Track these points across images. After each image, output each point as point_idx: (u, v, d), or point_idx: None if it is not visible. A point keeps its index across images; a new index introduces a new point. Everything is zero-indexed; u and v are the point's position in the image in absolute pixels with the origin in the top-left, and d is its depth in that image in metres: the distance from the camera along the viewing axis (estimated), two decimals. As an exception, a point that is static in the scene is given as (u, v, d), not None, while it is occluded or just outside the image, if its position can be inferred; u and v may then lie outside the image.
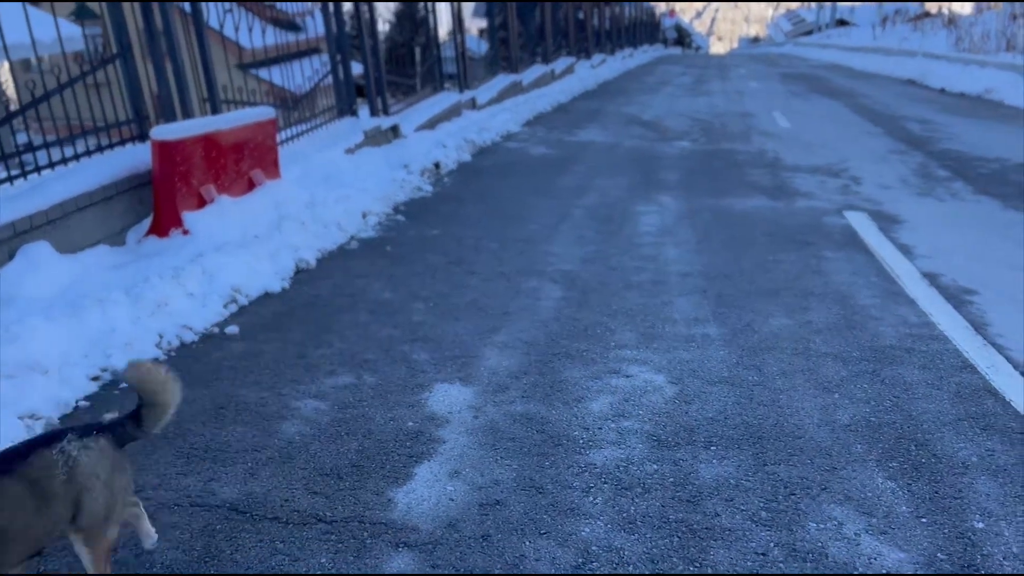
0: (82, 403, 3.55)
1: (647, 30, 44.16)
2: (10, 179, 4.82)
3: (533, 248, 5.83)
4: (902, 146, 10.14)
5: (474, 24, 29.93)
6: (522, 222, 6.61)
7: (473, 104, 13.04)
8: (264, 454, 3.11)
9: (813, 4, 65.68)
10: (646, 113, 14.54)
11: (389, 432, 3.26)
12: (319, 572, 2.44)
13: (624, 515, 2.68)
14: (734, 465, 2.96)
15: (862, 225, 6.26)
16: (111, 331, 4.00)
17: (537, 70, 17.97)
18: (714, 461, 2.99)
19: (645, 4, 44.06)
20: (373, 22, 9.95)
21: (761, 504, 2.72)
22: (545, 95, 16.06)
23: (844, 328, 4.22)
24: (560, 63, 20.46)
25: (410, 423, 3.33)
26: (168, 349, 4.12)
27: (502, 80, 15.42)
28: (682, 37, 69.98)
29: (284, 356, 4.04)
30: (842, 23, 53.05)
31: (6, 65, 9.08)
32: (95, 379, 3.74)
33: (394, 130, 9.71)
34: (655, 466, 2.97)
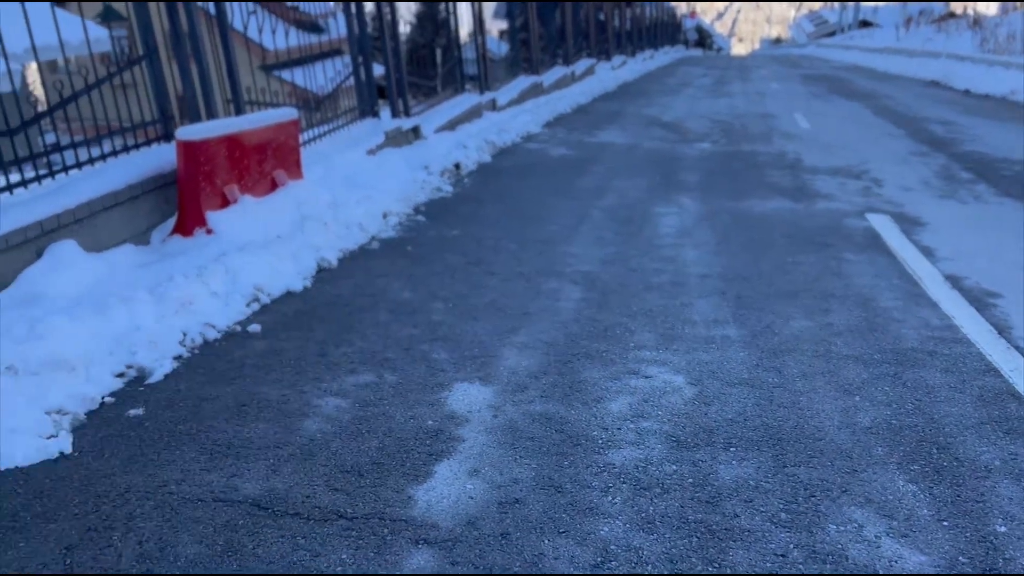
0: (107, 399, 3.61)
1: (668, 31, 44.03)
2: (38, 179, 4.90)
3: (553, 249, 5.85)
4: (924, 148, 10.05)
5: (495, 26, 29.98)
6: (542, 223, 6.62)
7: (493, 105, 13.07)
8: (286, 451, 3.15)
9: (836, 5, 65.21)
10: (666, 114, 14.50)
11: (409, 430, 3.28)
12: (339, 568, 2.46)
13: (643, 515, 2.68)
14: (753, 466, 2.96)
15: (884, 227, 6.22)
16: (136, 329, 4.06)
17: (558, 72, 17.97)
18: (733, 462, 2.99)
19: (666, 5, 43.93)
20: (394, 23, 10.01)
21: (781, 506, 2.72)
22: (565, 96, 16.06)
23: (865, 330, 4.20)
24: (581, 65, 20.45)
25: (430, 421, 3.35)
26: (192, 347, 4.18)
27: (523, 81, 15.44)
28: (703, 38, 69.71)
29: (306, 354, 4.08)
30: (865, 24, 52.61)
31: (34, 66, 9.22)
32: (120, 376, 3.80)
33: (415, 131, 9.75)
34: (674, 467, 2.97)
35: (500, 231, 6.38)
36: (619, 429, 3.25)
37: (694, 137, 11.62)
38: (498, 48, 16.52)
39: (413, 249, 5.94)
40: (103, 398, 3.60)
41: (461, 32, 12.53)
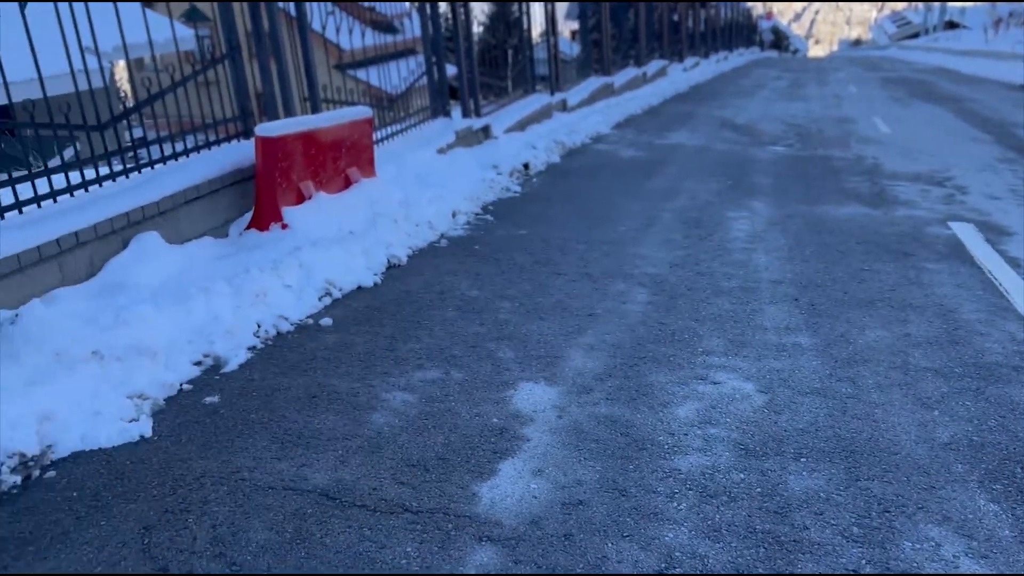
0: (185, 386, 3.73)
1: (743, 32, 43.23)
2: (125, 172, 5.10)
3: (620, 250, 5.81)
4: (1012, 154, 9.64)
5: (567, 26, 29.92)
6: (610, 224, 6.58)
7: (564, 106, 13.06)
8: (354, 443, 3.20)
9: (920, 5, 63.01)
10: (739, 117, 14.25)
11: (474, 427, 3.31)
12: (404, 560, 2.49)
13: (709, 523, 2.64)
14: (825, 478, 2.88)
15: (968, 236, 5.98)
16: (214, 319, 4.18)
17: (629, 73, 17.85)
18: (804, 473, 2.92)
19: (741, 5, 43.11)
20: (468, 24, 10.09)
21: (853, 520, 2.64)
22: (636, 98, 15.93)
23: (946, 343, 4.05)
24: (652, 66, 20.26)
25: (495, 419, 3.37)
26: (265, 338, 4.29)
27: (593, 82, 15.38)
28: (779, 40, 68.23)
29: (375, 348, 4.15)
30: (952, 25, 50.71)
31: (123, 63, 9.58)
32: (198, 364, 3.93)
33: (485, 131, 9.81)
34: (742, 475, 2.92)
35: (568, 231, 6.37)
36: (686, 435, 3.21)
37: (768, 140, 11.40)
38: (570, 49, 16.49)
39: (481, 248, 5.98)
40: (181, 385, 3.73)
41: (533, 32, 12.56)
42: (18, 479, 2.95)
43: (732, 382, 3.66)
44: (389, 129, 8.20)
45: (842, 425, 3.25)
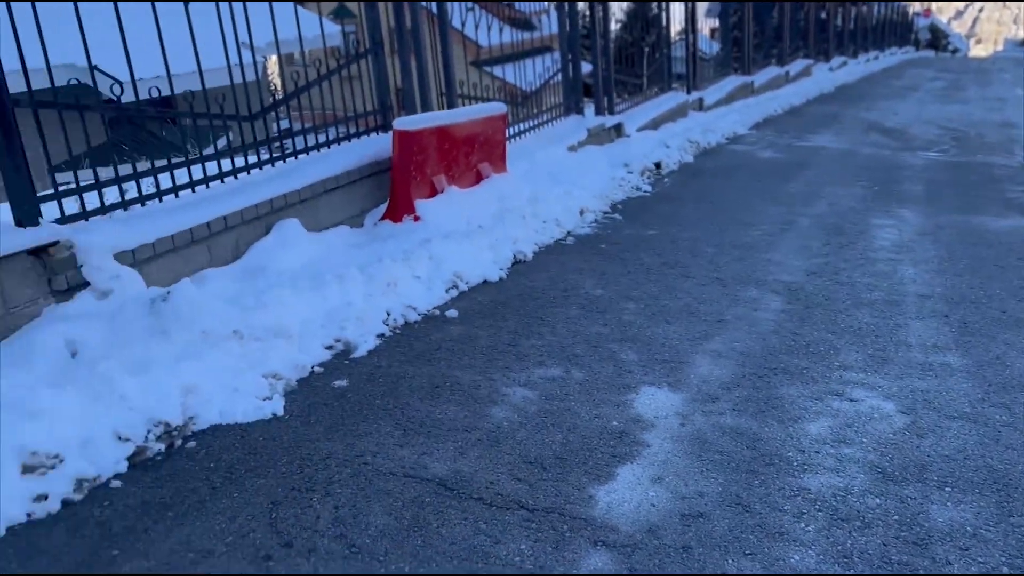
0: (317, 369, 3.87)
1: (896, 31, 40.87)
2: (271, 161, 5.36)
3: (753, 255, 5.60)
4: None
5: (706, 24, 29.21)
6: (743, 227, 6.36)
7: (700, 105, 12.74)
8: (473, 435, 3.23)
9: (1102, 2, 57.51)
10: (889, 120, 13.47)
11: (593, 429, 3.26)
12: (517, 558, 2.48)
13: (839, 547, 2.49)
14: (972, 511, 2.66)
15: None
16: (347, 305, 4.32)
17: (770, 72, 17.21)
18: (948, 504, 2.71)
19: (897, 3, 40.78)
20: (606, 21, 10.00)
21: (1003, 559, 2.42)
22: (777, 97, 15.35)
23: (1120, 372, 3.66)
24: (796, 65, 19.46)
25: (615, 422, 3.31)
26: (393, 327, 4.39)
27: (732, 81, 14.94)
28: (936, 38, 64.10)
29: (497, 343, 4.17)
30: None
31: (274, 58, 10.07)
32: (329, 348, 4.06)
33: (617, 129, 9.71)
34: (878, 500, 2.73)
35: (698, 233, 6.20)
36: (817, 452, 3.04)
37: (920, 145, 10.71)
38: (709, 47, 16.07)
39: (607, 247, 5.91)
40: (313, 367, 3.87)
41: (671, 30, 12.32)
42: (162, 447, 3.15)
43: (871, 400, 3.45)
44: (522, 125, 8.24)
45: (995, 455, 3.00)
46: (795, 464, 2.97)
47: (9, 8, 3.74)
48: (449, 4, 6.96)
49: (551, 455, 3.07)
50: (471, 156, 6.40)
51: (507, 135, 7.23)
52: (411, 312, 4.54)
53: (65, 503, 2.79)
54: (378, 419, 3.38)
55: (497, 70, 9.32)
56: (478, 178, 6.48)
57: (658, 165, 8.78)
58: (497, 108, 6.73)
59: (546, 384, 3.68)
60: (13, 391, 3.11)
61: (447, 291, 4.88)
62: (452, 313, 4.58)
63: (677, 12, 12.65)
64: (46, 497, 2.76)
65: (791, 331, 4.23)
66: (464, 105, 7.17)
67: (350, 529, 2.64)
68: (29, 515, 2.71)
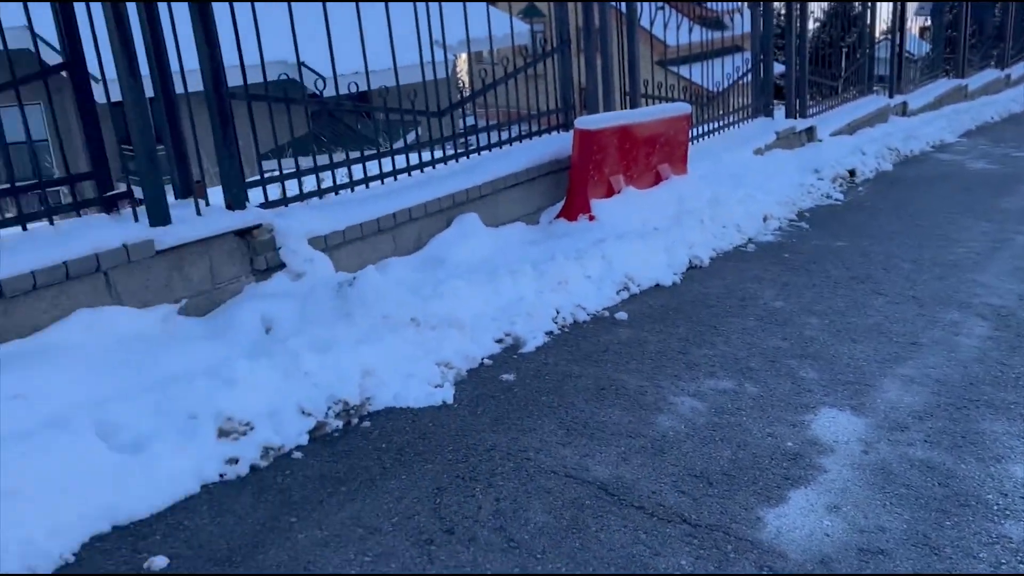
0: (486, 361, 3.94)
1: None
2: (456, 156, 5.53)
3: (956, 274, 5.12)
4: None
5: (915, 23, 27.14)
6: (945, 243, 5.84)
7: (903, 110, 11.86)
8: (637, 442, 3.16)
9: None
10: None
11: (765, 448, 3.10)
12: (677, 572, 2.41)
13: (1044, 609, 2.22)
14: None
15: None
16: (518, 300, 4.38)
17: (987, 75, 15.73)
18: None
19: None
20: (803, 20, 9.51)
21: None
22: (994, 103, 13.99)
23: None
24: (1018, 68, 17.67)
25: (789, 443, 3.13)
26: (562, 325, 4.39)
27: (941, 84, 13.79)
28: None
29: (667, 349, 4.07)
30: None
31: (464, 56, 10.40)
32: (499, 341, 4.13)
33: (808, 133, 9.22)
34: (1095, 560, 2.41)
35: (893, 247, 5.76)
36: (1023, 498, 2.73)
37: None
38: (917, 48, 14.90)
39: (791, 256, 5.62)
40: (483, 359, 3.95)
41: (875, 30, 11.54)
42: (340, 424, 3.32)
43: (1092, 446, 3.05)
44: (706, 126, 8.01)
45: None
46: (995, 508, 2.68)
47: (232, 8, 4.07)
48: (639, 3, 6.88)
49: (718, 471, 2.95)
50: (651, 157, 6.29)
51: (690, 136, 7.06)
52: (580, 311, 4.53)
53: (252, 468, 3.01)
54: (543, 416, 3.39)
55: (683, 69, 9.11)
56: (657, 179, 6.37)
57: (852, 172, 8.24)
58: (681, 108, 6.58)
59: (717, 396, 3.55)
60: (214, 359, 3.40)
61: (617, 292, 4.82)
62: (621, 315, 4.52)
63: (883, 10, 11.82)
64: (236, 461, 2.99)
65: (998, 361, 3.83)
66: (647, 105, 7.07)
67: (510, 523, 2.66)
68: (221, 475, 2.95)
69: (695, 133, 7.58)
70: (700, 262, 5.43)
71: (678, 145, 6.53)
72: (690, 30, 7.95)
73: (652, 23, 7.41)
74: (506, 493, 2.83)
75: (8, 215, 3.61)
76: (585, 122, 5.73)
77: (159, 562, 2.50)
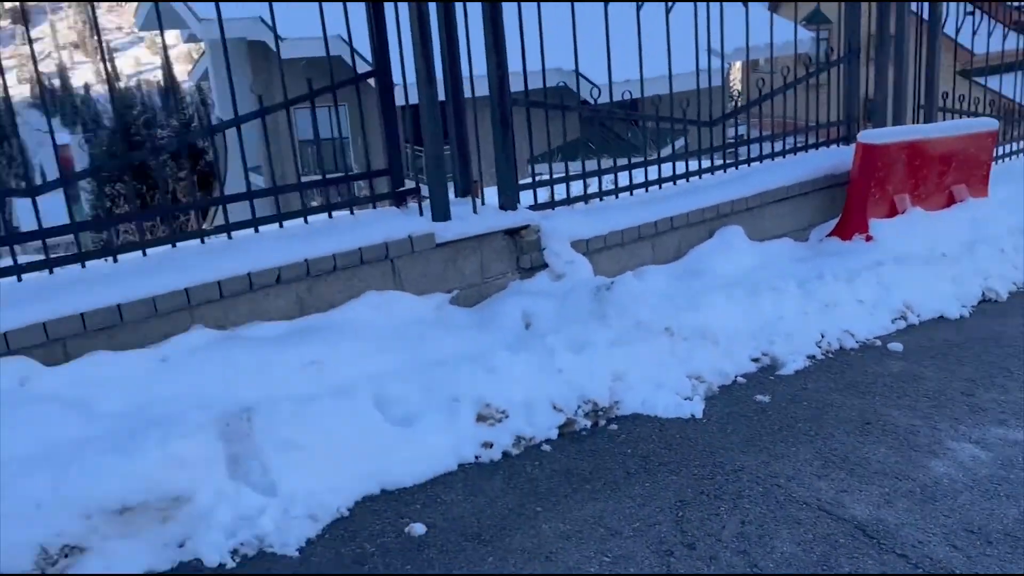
0: (740, 379, 3.83)
1: None
2: (724, 167, 5.40)
3: None
4: None
5: None
6: None
7: None
8: (904, 484, 2.91)
9: None
10: None
11: (1063, 513, 2.71)
12: (941, 634, 2.19)
13: None
14: None
15: None
16: (778, 319, 4.20)
17: None
18: None
19: None
20: None
21: None
22: None
23: None
24: None
25: (1095, 512, 2.71)
26: (826, 350, 4.15)
27: None
28: None
29: (947, 389, 3.69)
30: None
31: (738, 64, 10.13)
32: (755, 360, 3.99)
33: None
34: None
35: None
36: None
37: None
38: None
39: (1114, 299, 4.84)
40: (736, 377, 3.84)
41: None
42: (588, 424, 3.40)
43: None
44: (1014, 145, 7.12)
45: None
46: None
47: (519, 10, 4.29)
48: (944, 6, 6.27)
49: (999, 529, 2.63)
50: (944, 176, 5.72)
51: (994, 155, 6.32)
52: (848, 337, 4.24)
53: (504, 454, 3.18)
54: (798, 443, 3.23)
55: (991, 81, 8.17)
56: (950, 201, 5.77)
57: None
58: (985, 124, 5.90)
59: (1005, 447, 3.16)
60: (478, 348, 3.63)
61: (893, 321, 4.45)
62: (895, 346, 4.16)
63: None
64: (491, 445, 3.18)
65: None
66: (945, 119, 6.43)
67: (754, 547, 2.57)
68: (476, 457, 3.15)
69: (999, 152, 6.77)
70: (996, 296, 4.86)
71: (979, 165, 5.87)
72: (1004, 37, 7.10)
73: (958, 30, 6.71)
74: (752, 517, 2.74)
75: (314, 203, 4.12)
76: (870, 136, 5.34)
77: (418, 529, 2.73)
